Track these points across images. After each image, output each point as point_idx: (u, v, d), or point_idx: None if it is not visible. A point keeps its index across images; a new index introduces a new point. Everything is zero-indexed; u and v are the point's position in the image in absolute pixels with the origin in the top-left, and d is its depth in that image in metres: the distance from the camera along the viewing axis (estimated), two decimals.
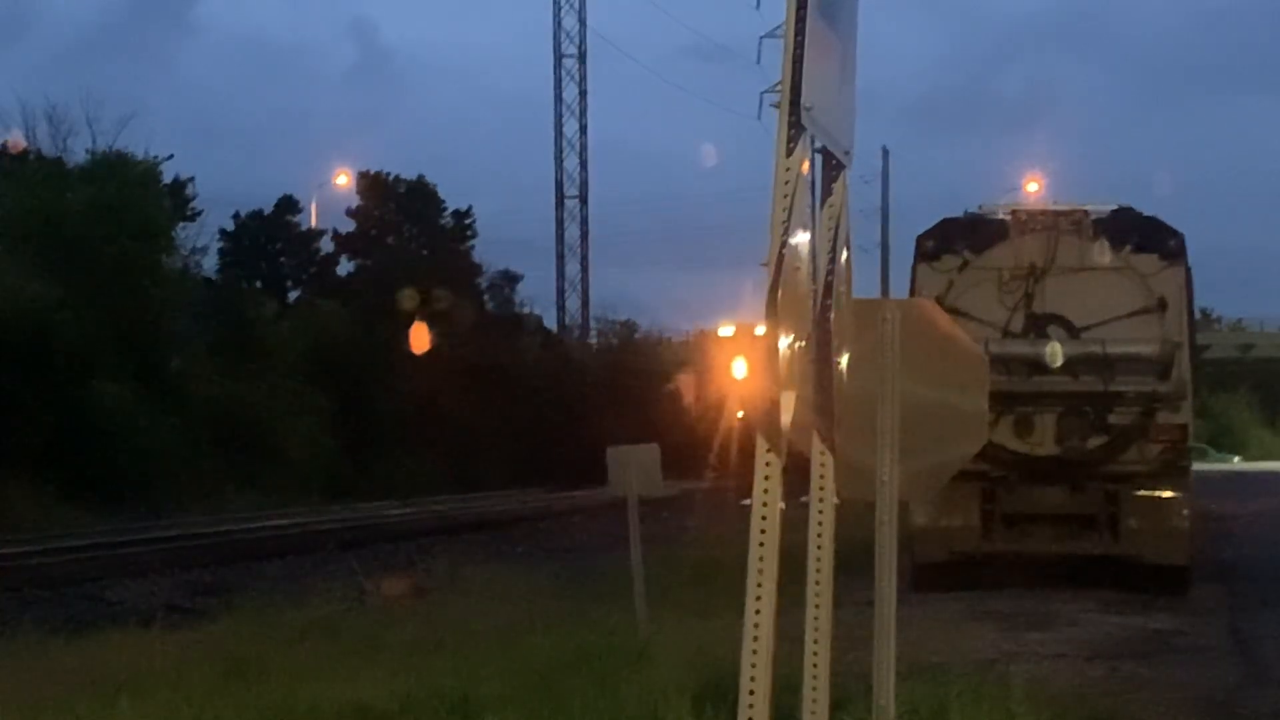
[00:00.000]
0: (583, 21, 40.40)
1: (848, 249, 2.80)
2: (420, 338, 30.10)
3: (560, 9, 40.01)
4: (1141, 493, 11.80)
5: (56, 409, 21.21)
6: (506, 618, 9.20)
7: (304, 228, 35.92)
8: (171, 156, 28.87)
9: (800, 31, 2.19)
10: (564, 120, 41.16)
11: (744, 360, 18.39)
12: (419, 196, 37.56)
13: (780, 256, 2.18)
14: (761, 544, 2.13)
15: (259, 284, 33.70)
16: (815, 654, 2.56)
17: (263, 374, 28.30)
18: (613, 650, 6.98)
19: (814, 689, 2.55)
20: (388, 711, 5.55)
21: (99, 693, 6.08)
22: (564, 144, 41.82)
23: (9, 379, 20.46)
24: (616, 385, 35.51)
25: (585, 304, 44.49)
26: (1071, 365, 11.57)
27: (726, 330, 26.83)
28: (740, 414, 19.43)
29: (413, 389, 31.21)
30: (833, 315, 2.62)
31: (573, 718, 4.76)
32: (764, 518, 2.13)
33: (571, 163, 41.77)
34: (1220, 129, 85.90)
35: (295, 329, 31.24)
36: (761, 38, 34.90)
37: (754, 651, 2.13)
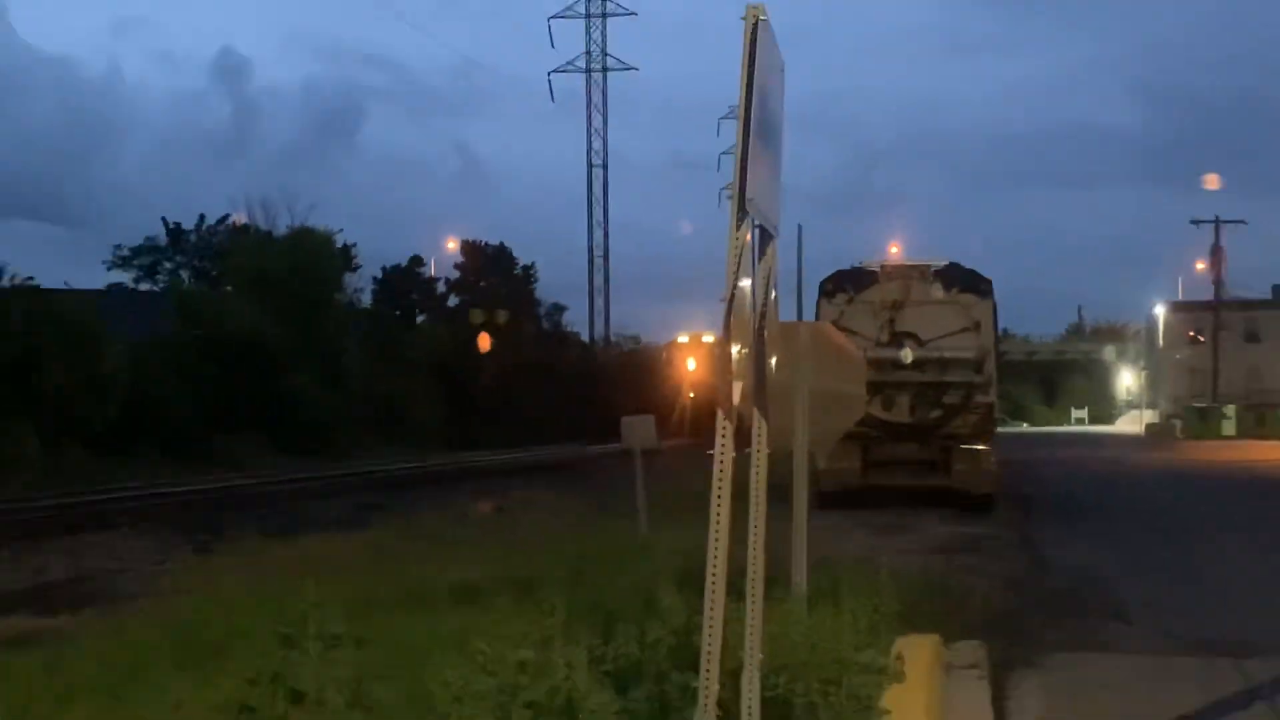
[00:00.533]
0: (605, 142, 62.01)
1: (775, 290, 3.83)
2: (484, 343, 44.96)
3: (591, 136, 60.80)
4: (964, 447, 16.69)
5: (266, 392, 31.96)
6: (558, 527, 13.23)
7: (426, 276, 53.75)
8: (341, 230, 42.27)
9: (745, 151, 3.35)
10: (593, 205, 61.45)
11: (692, 358, 27.48)
12: (501, 255, 56.34)
13: (732, 295, 3.37)
14: (720, 479, 3.21)
15: (398, 312, 50.15)
16: (754, 549, 3.74)
17: (399, 370, 41.36)
18: (625, 548, 9.93)
19: (753, 572, 3.74)
20: (483, 588, 7.79)
21: (297, 576, 7.96)
22: (593, 221, 61.94)
23: (237, 373, 30.92)
24: (624, 376, 49.13)
25: (606, 324, 64.19)
26: (919, 364, 16.43)
27: (683, 338, 39.74)
28: (690, 394, 31.63)
29: (493, 379, 45.09)
30: (765, 333, 3.79)
31: (599, 592, 6.28)
32: (722, 462, 3.30)
33: (598, 233, 62.24)
34: (1018, 209, 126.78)
35: (420, 341, 46.45)
36: (720, 154, 50.46)
37: (715, 547, 3.28)
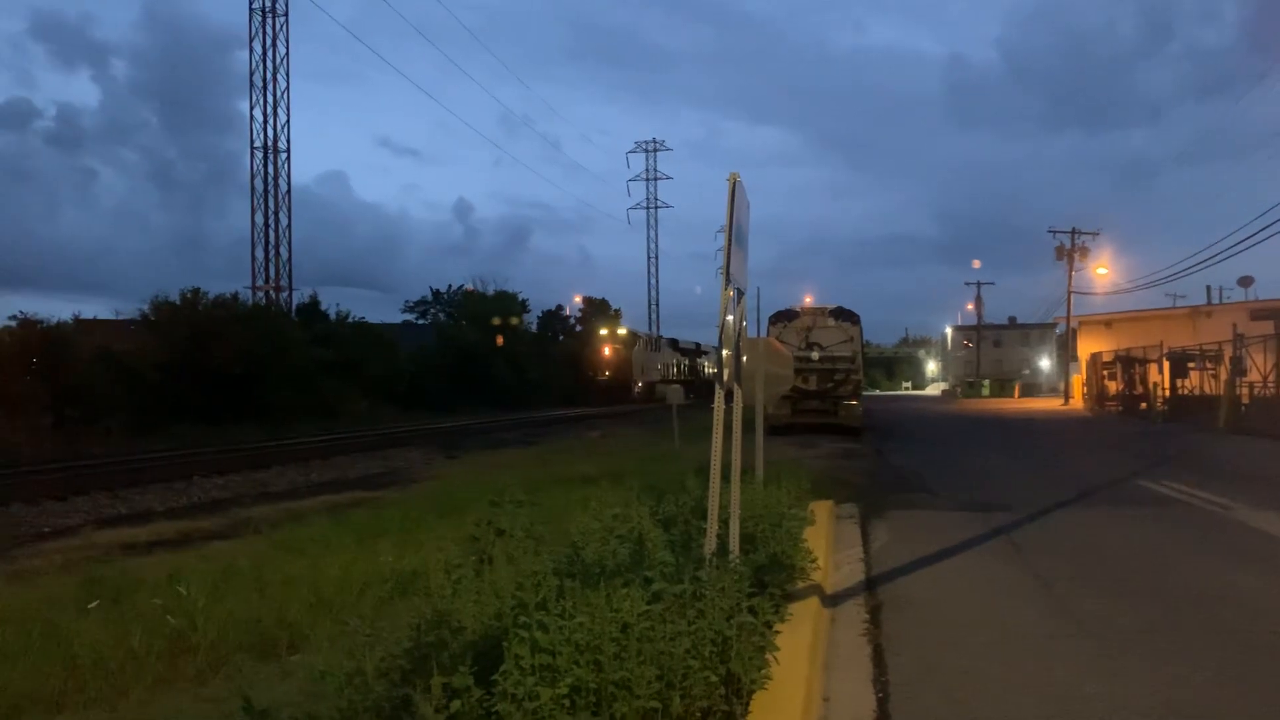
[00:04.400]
0: (656, 244, 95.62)
1: (744, 321, 6.70)
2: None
3: (649, 241, 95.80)
4: (846, 402, 27.24)
5: (482, 376, 52.83)
6: (627, 444, 22.43)
7: (564, 315, 78.97)
8: (520, 291, 67.85)
9: (729, 250, 6.37)
10: (651, 277, 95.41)
11: (607, 348, 66.10)
12: (603, 304, 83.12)
13: (722, 325, 6.51)
14: (716, 419, 6.50)
15: (549, 334, 72.92)
16: (734, 455, 6.86)
17: (550, 365, 62.65)
18: (666, 455, 16.60)
19: (733, 467, 6.86)
20: (591, 476, 12.59)
21: (495, 469, 15.92)
22: (651, 285, 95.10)
23: (467, 366, 52.87)
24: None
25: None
26: (821, 360, 27.18)
27: (603, 332, 67.49)
28: (605, 373, 63.90)
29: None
30: (740, 343, 6.92)
31: (654, 478, 10.19)
32: (723, 409, 6.53)
33: (653, 282, 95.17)
34: (870, 278, 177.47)
35: (560, 350, 68.41)
36: (716, 250, 64.08)
37: (713, 455, 6.55)
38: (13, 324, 30.52)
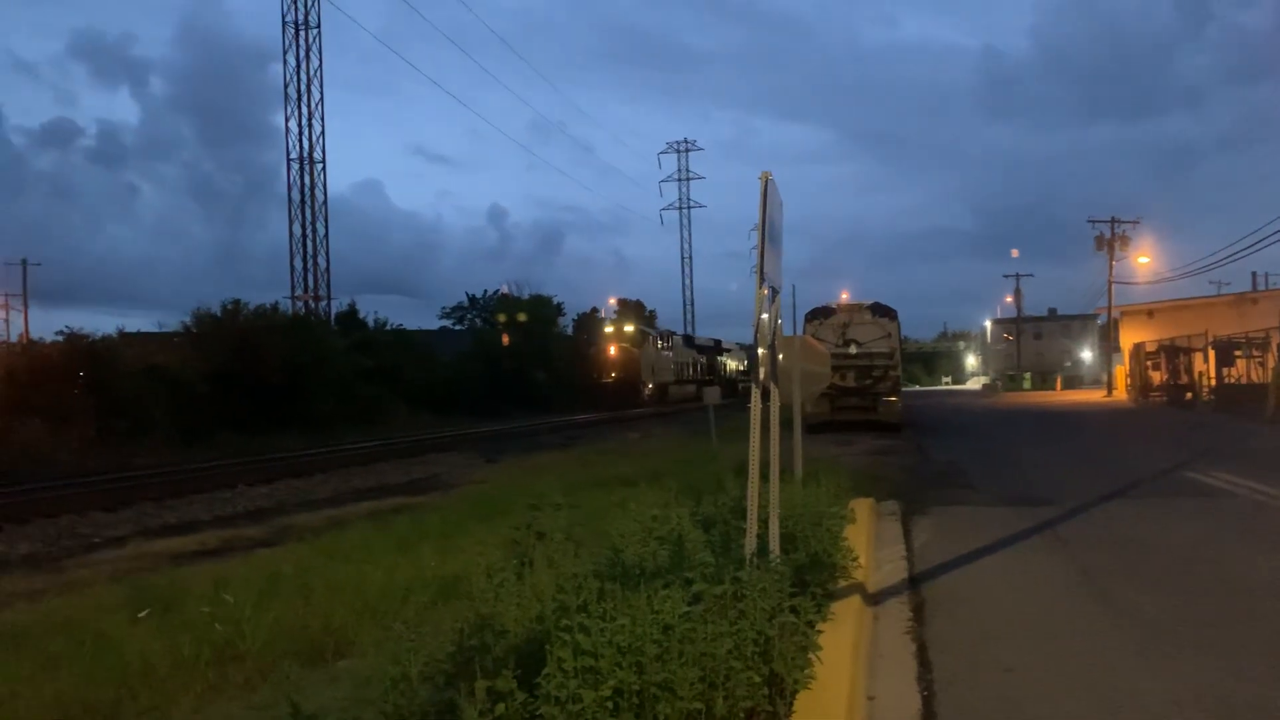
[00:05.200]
0: (690, 244, 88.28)
1: (779, 319, 6.81)
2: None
3: (682, 241, 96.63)
4: (885, 398, 27.19)
5: (518, 379, 53.14)
6: (664, 445, 22.52)
7: (600, 317, 73.19)
8: (555, 295, 66.41)
9: (763, 248, 6.34)
10: (685, 278, 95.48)
11: (613, 346, 57.41)
12: (638, 306, 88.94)
13: (757, 323, 6.51)
14: (754, 417, 6.48)
15: (585, 337, 67.17)
16: (773, 454, 6.87)
17: (586, 367, 58.84)
18: (703, 455, 16.26)
19: (772, 466, 6.86)
20: (631, 477, 12.44)
21: (533, 472, 15.85)
22: (685, 285, 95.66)
23: (503, 370, 52.85)
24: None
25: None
26: (859, 356, 27.07)
27: (609, 328, 61.37)
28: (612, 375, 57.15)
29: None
30: (775, 342, 6.89)
31: (693, 478, 10.15)
32: (761, 408, 6.51)
33: (688, 282, 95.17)
34: (907, 272, 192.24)
35: (595, 353, 64.47)
36: (750, 249, 61.45)
37: (752, 453, 6.53)
38: (60, 338, 31.15)
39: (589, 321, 68.08)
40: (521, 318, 57.79)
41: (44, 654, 5.79)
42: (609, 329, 59.09)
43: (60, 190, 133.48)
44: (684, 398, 59.70)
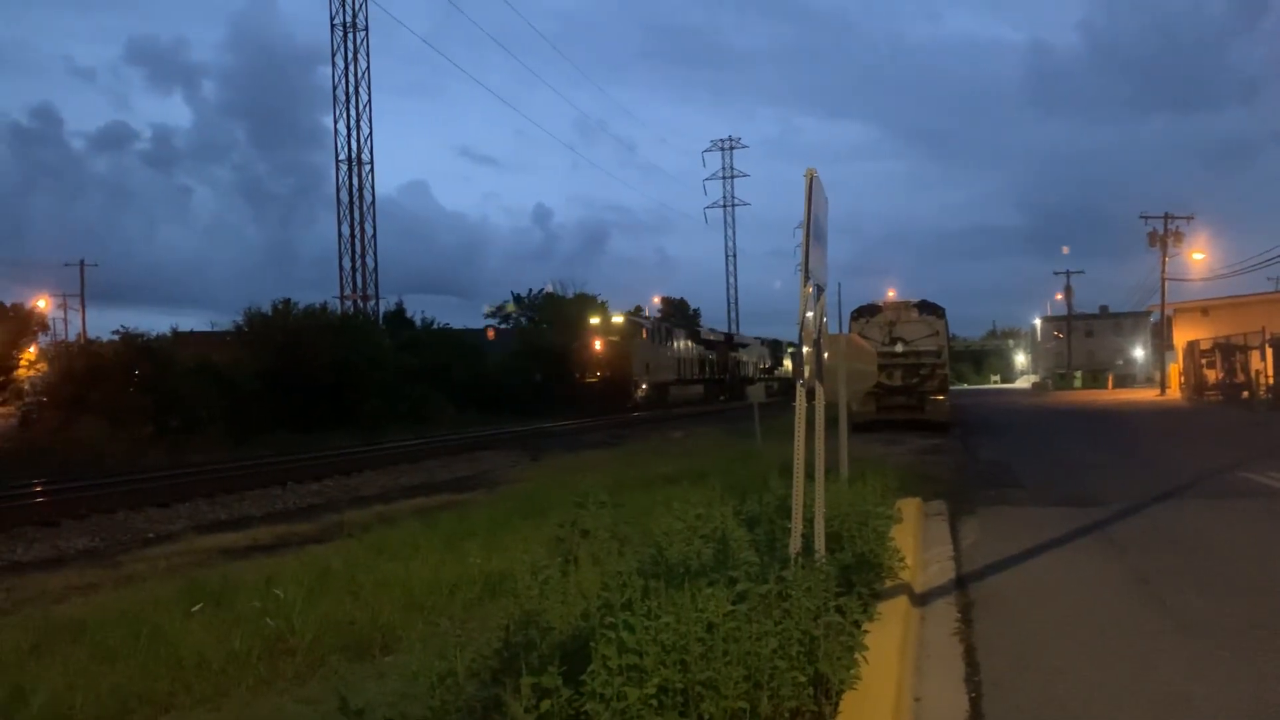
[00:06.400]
0: (734, 242, 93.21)
1: (825, 317, 6.73)
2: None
3: (727, 239, 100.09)
4: (932, 397, 26.89)
5: (563, 377, 48.61)
6: (707, 444, 22.09)
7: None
8: (599, 293, 64.56)
9: (808, 246, 6.29)
10: (730, 276, 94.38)
11: (599, 341, 50.50)
12: (681, 304, 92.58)
13: (802, 321, 6.48)
14: (799, 416, 6.46)
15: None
16: (818, 453, 6.85)
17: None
18: (748, 454, 16.23)
19: (817, 465, 6.81)
20: (673, 476, 12.72)
21: (577, 471, 15.66)
22: (729, 283, 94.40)
23: (550, 369, 48.72)
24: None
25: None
26: (906, 354, 26.86)
27: (594, 320, 55.16)
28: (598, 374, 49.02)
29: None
30: (821, 340, 6.85)
31: (737, 477, 10.18)
32: (806, 407, 6.48)
33: (732, 280, 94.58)
34: (955, 269, 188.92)
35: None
36: (795, 246, 65.72)
37: (797, 453, 6.49)
38: (116, 338, 31.84)
39: (564, 308, 58.61)
40: (567, 318, 54.69)
41: (102, 646, 5.92)
42: (594, 321, 50.69)
43: (116, 193, 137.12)
44: (687, 400, 54.42)
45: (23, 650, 6.06)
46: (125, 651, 5.75)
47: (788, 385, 59.17)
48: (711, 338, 64.44)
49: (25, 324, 34.11)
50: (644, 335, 51.41)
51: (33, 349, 34.71)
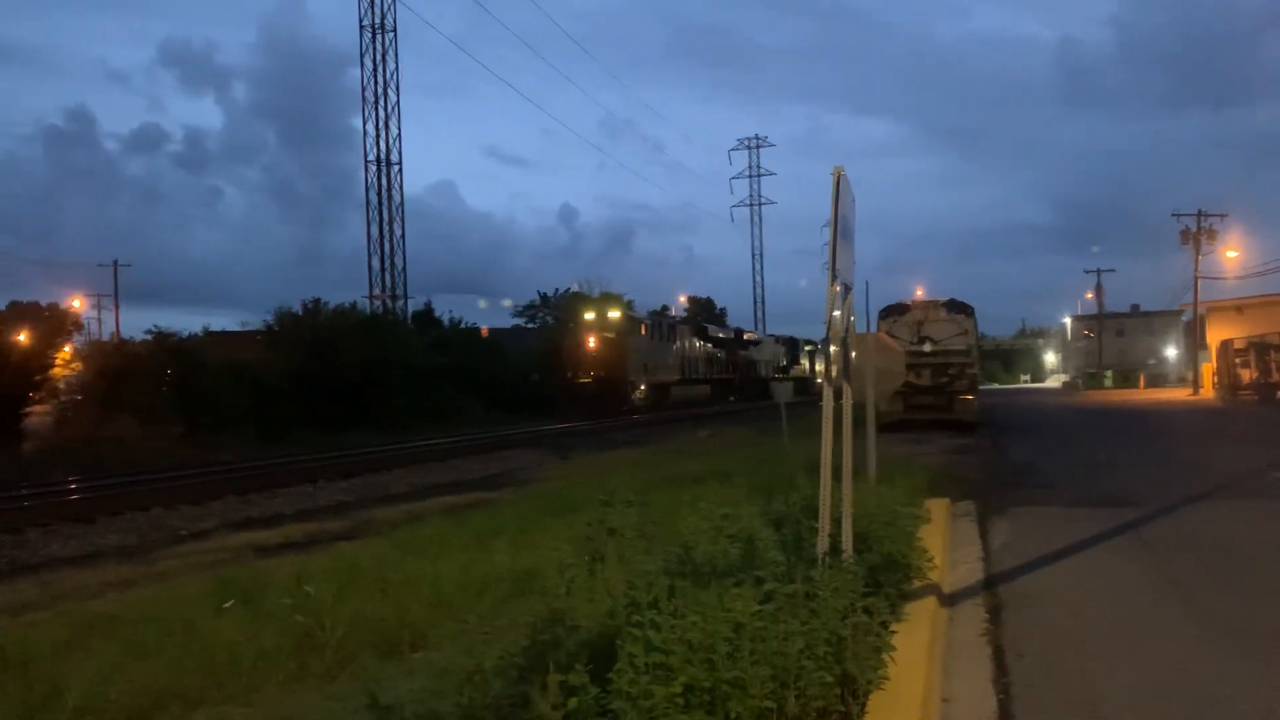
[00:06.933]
0: (761, 242, 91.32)
1: (852, 316, 6.74)
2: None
3: (754, 238, 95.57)
4: (961, 396, 26.64)
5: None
6: (734, 443, 21.53)
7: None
8: (626, 292, 60.53)
9: (834, 245, 6.25)
10: (756, 275, 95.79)
11: (593, 339, 45.41)
12: (708, 303, 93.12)
13: (829, 320, 6.46)
14: (826, 416, 6.44)
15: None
16: (845, 453, 6.83)
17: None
18: (774, 453, 15.75)
19: (845, 464, 6.76)
20: (701, 475, 12.51)
21: (604, 469, 15.88)
22: (756, 283, 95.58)
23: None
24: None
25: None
26: (934, 354, 26.57)
27: (589, 314, 53.01)
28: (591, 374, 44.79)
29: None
30: (848, 340, 6.83)
31: (763, 477, 10.19)
32: (833, 406, 6.46)
33: (758, 279, 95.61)
34: (985, 267, 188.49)
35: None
36: (822, 245, 70.15)
37: (824, 452, 6.48)
38: (149, 337, 32.24)
39: (577, 307, 52.79)
40: (590, 316, 48.83)
41: (135, 641, 5.99)
42: (588, 315, 45.87)
43: (149, 194, 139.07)
44: (691, 400, 50.72)
45: (59, 645, 6.16)
46: (158, 647, 5.82)
47: (805, 384, 60.01)
48: (720, 335, 60.77)
49: (61, 324, 34.55)
50: (642, 331, 46.79)
51: (68, 348, 35.19)
